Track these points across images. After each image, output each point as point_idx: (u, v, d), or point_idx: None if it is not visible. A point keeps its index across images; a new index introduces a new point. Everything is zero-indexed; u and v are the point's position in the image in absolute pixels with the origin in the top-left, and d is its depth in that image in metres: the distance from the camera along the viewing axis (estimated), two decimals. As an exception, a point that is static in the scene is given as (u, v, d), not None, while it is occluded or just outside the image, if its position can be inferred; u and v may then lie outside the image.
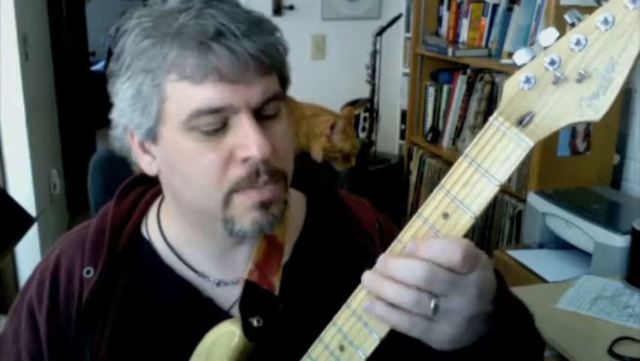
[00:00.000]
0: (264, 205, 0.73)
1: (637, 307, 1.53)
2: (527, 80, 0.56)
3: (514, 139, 0.56)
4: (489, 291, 0.61)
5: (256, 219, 0.73)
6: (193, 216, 0.78)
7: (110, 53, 0.75)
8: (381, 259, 0.61)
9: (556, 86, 0.55)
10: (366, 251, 0.85)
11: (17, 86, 2.71)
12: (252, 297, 0.77)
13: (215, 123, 0.69)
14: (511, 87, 0.57)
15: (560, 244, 1.95)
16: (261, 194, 0.72)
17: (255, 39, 0.69)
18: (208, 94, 0.68)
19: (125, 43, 0.72)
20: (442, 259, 0.58)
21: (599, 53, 0.53)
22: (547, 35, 0.55)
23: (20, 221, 2.12)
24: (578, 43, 0.54)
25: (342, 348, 0.64)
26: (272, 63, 0.71)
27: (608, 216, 1.90)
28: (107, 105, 0.77)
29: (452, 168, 0.59)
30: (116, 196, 0.87)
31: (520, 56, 0.57)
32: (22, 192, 2.72)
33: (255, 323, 0.74)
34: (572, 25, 0.54)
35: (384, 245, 0.85)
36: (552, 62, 0.55)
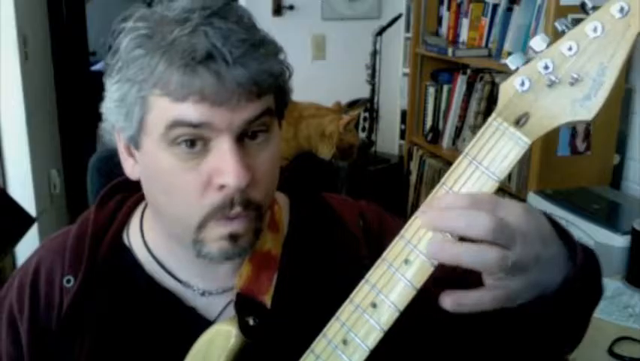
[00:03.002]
0: (233, 237, 0.72)
1: (637, 307, 1.53)
2: (523, 83, 0.60)
3: (513, 138, 0.60)
4: (536, 234, 0.60)
5: (224, 249, 0.72)
6: (170, 226, 0.77)
7: (111, 47, 0.74)
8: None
9: (550, 89, 0.59)
10: (351, 252, 0.85)
11: (17, 86, 2.71)
12: (245, 303, 0.76)
13: (194, 138, 0.67)
14: (507, 89, 0.61)
15: (560, 244, 1.95)
16: (230, 226, 0.71)
17: (248, 65, 0.66)
18: (188, 111, 0.66)
19: (120, 44, 0.70)
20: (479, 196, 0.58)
21: (590, 58, 0.58)
22: (538, 41, 0.60)
23: (20, 221, 2.12)
24: (570, 49, 0.58)
25: (345, 342, 0.65)
26: (262, 90, 0.69)
27: (608, 216, 1.90)
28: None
29: (453, 166, 0.62)
30: (97, 202, 0.86)
31: (514, 61, 0.61)
32: (22, 192, 2.72)
33: (251, 321, 0.74)
34: (562, 32, 0.59)
35: (369, 242, 0.86)
36: (546, 67, 0.59)
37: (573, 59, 0.58)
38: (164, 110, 0.67)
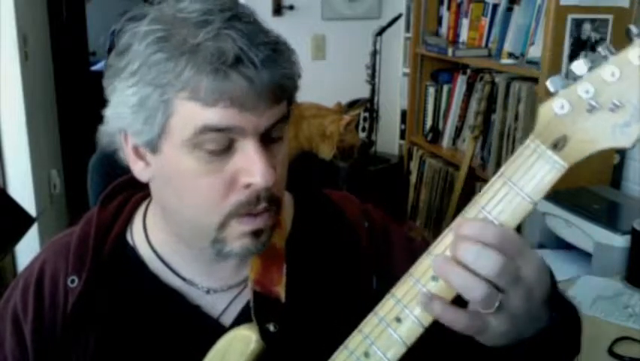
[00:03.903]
0: (256, 234, 0.73)
1: (637, 307, 1.53)
2: (562, 107, 0.59)
3: (550, 161, 0.60)
4: (540, 293, 0.61)
5: (246, 245, 0.73)
6: (180, 230, 0.78)
7: (112, 47, 0.72)
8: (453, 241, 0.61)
9: (590, 114, 0.58)
10: (354, 250, 0.86)
11: (17, 86, 2.70)
12: (263, 304, 0.76)
13: (221, 142, 0.68)
14: (546, 112, 0.60)
15: (560, 244, 1.95)
16: (254, 223, 0.72)
17: (273, 69, 0.67)
18: (217, 116, 0.67)
19: (131, 44, 0.69)
20: (504, 238, 0.59)
21: (632, 85, 0.57)
22: (580, 65, 0.59)
23: (20, 221, 2.12)
24: (612, 75, 0.57)
25: (367, 355, 0.65)
26: (285, 94, 0.70)
27: (608, 216, 1.90)
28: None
29: (487, 186, 0.61)
30: (100, 202, 0.86)
31: (553, 84, 0.60)
32: (22, 192, 2.72)
33: (271, 328, 0.74)
34: (605, 57, 0.57)
35: (373, 241, 0.87)
36: (587, 91, 0.58)
37: (615, 85, 0.57)
38: (192, 114, 0.67)
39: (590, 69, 0.58)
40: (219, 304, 0.81)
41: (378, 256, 0.86)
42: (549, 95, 0.61)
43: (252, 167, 0.69)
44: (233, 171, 0.70)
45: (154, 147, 0.72)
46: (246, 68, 0.65)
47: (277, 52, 0.69)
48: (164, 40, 0.67)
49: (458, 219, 0.61)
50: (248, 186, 0.70)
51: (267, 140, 0.71)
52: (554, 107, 0.59)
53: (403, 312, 0.63)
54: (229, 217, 0.71)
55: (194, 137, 0.68)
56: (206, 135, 0.68)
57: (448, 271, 0.59)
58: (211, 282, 0.81)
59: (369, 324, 0.65)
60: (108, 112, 0.74)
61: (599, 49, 0.58)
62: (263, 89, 0.67)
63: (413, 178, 3.16)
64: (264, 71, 0.66)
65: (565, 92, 0.59)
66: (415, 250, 0.65)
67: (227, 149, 0.69)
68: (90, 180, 1.21)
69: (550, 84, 0.60)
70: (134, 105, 0.70)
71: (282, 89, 0.69)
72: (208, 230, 0.73)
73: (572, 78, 0.59)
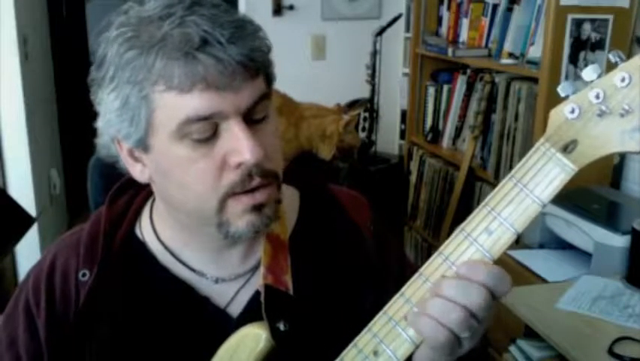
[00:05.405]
0: (258, 208, 0.74)
1: (637, 307, 1.53)
2: (572, 111, 0.60)
3: (559, 164, 0.60)
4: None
5: (251, 221, 0.74)
6: (187, 219, 0.79)
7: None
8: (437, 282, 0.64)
9: (600, 118, 0.59)
10: (358, 249, 0.87)
11: (17, 86, 2.71)
12: (274, 301, 0.77)
13: (206, 130, 0.70)
14: (557, 116, 0.61)
15: (560, 244, 1.95)
16: (253, 198, 0.73)
17: (240, 44, 0.69)
18: (196, 102, 0.68)
19: (106, 53, 0.71)
20: (496, 288, 0.62)
21: None
22: (590, 71, 0.60)
23: (20, 221, 2.12)
24: (623, 80, 0.58)
25: (376, 353, 0.66)
26: (258, 66, 0.71)
27: (608, 216, 1.90)
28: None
29: (497, 188, 0.63)
30: (108, 200, 0.88)
31: (564, 89, 0.61)
32: (22, 192, 2.72)
33: (282, 327, 0.75)
34: (615, 64, 0.58)
35: (378, 245, 0.88)
36: (597, 96, 0.59)
37: (625, 91, 0.58)
38: (173, 106, 0.69)
39: (600, 75, 0.59)
40: (227, 293, 0.82)
41: (378, 260, 0.88)
42: (549, 95, 0.62)
43: (238, 146, 0.70)
44: (223, 154, 0.71)
45: (145, 145, 0.74)
46: (212, 47, 0.67)
47: (242, 28, 0.70)
48: (133, 38, 0.70)
49: (466, 221, 0.62)
50: (239, 165, 0.71)
51: (251, 121, 0.72)
52: (565, 112, 0.60)
53: (412, 311, 0.64)
54: (225, 197, 0.72)
55: (179, 129, 0.69)
56: (191, 126, 0.69)
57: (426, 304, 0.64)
58: (219, 271, 0.82)
59: (378, 323, 0.66)
60: (99, 123, 0.76)
61: (610, 55, 0.59)
62: (233, 65, 0.68)
63: (413, 178, 3.16)
64: (231, 47, 0.68)
65: (576, 96, 0.60)
66: (406, 267, 0.66)
67: (213, 135, 0.70)
68: (90, 180, 1.21)
69: (561, 89, 0.61)
70: (118, 109, 0.72)
71: (252, 62, 0.70)
72: (210, 215, 0.74)
73: (580, 81, 0.60)
